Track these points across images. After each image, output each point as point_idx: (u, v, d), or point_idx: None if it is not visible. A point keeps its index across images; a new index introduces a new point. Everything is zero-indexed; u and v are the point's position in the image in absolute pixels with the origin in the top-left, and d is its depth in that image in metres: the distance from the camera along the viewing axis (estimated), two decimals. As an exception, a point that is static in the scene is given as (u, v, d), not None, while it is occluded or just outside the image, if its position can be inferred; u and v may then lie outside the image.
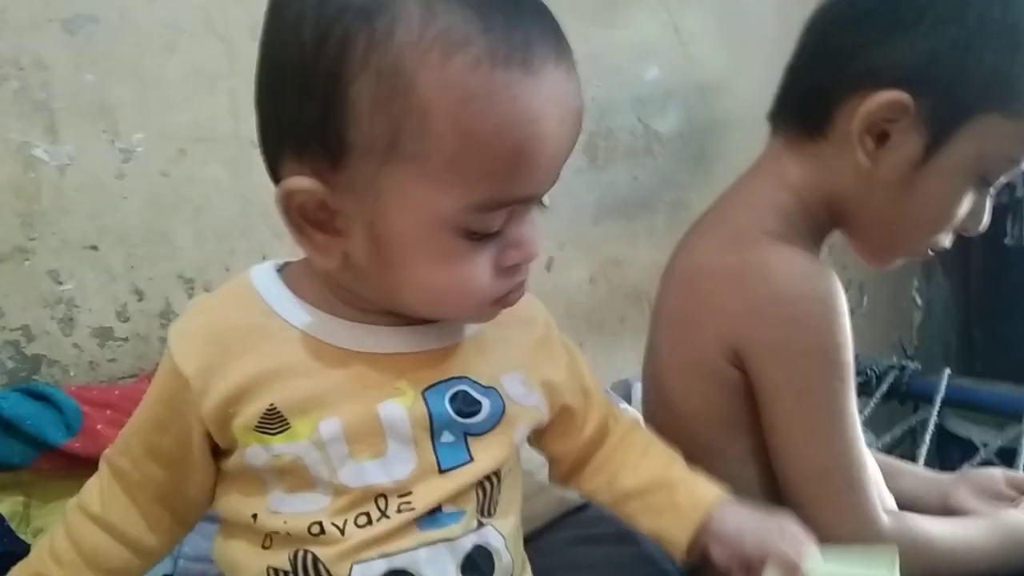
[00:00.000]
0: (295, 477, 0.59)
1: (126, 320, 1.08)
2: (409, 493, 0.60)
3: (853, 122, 0.76)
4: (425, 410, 0.61)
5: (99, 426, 0.92)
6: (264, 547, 0.61)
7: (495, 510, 0.65)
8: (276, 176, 0.58)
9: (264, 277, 0.64)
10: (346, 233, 0.56)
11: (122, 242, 1.06)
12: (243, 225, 1.15)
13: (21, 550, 0.87)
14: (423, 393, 0.62)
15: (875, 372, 1.87)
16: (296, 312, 0.61)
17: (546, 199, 0.60)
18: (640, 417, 1.19)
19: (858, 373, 1.47)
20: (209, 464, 0.63)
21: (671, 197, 1.77)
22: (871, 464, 0.82)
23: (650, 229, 1.74)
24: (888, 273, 2.22)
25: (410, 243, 0.55)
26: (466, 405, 0.63)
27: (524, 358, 0.69)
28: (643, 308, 1.74)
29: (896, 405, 1.90)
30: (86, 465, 0.89)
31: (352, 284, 0.61)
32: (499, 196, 0.54)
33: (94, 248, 1.04)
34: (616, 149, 1.66)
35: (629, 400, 1.33)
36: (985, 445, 1.78)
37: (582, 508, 1.04)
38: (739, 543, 0.67)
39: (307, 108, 0.53)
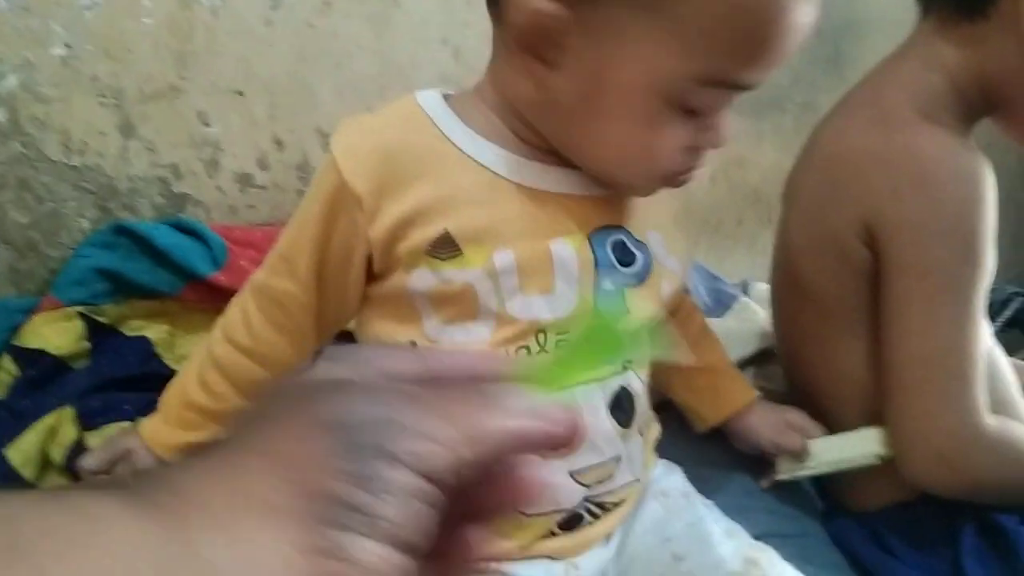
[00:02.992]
0: (460, 306, 0.60)
1: (266, 168, 1.10)
2: (567, 332, 0.61)
3: (1021, 0, 0.71)
4: (591, 253, 0.62)
5: (243, 263, 0.96)
6: None
7: (634, 359, 0.66)
8: None
9: (433, 103, 0.63)
10: (561, 68, 0.55)
11: (266, 90, 1.07)
12: (380, 84, 1.15)
13: (166, 373, 0.92)
14: (589, 236, 0.62)
15: (997, 298, 1.80)
16: (469, 141, 0.61)
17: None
18: (760, 312, 1.18)
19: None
20: (362, 285, 0.64)
21: (801, 97, 1.69)
22: (990, 361, 0.80)
23: (777, 129, 1.68)
24: (1018, 203, 2.11)
25: (626, 96, 0.55)
26: (624, 255, 0.64)
27: (662, 222, 0.70)
28: (762, 211, 1.70)
29: (1018, 334, 1.82)
30: (229, 297, 0.92)
31: (537, 119, 0.60)
32: (729, 74, 0.54)
33: (240, 93, 1.05)
34: (750, 42, 1.59)
35: (747, 294, 1.30)
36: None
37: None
38: (756, 441, 0.83)
39: None
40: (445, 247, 0.59)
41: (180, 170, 1.04)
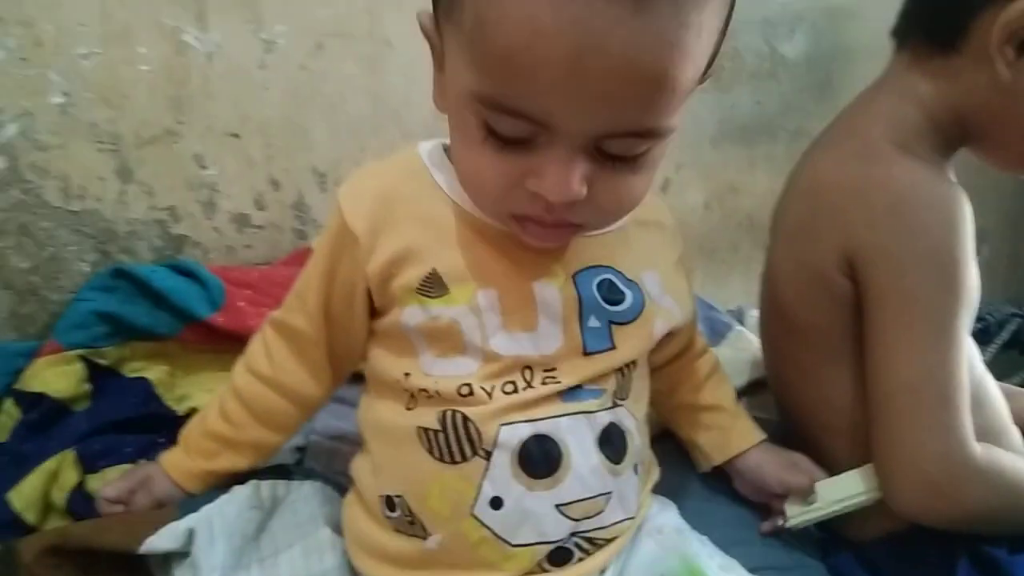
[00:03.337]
0: (448, 341, 0.62)
1: (263, 208, 1.12)
2: (554, 369, 0.63)
3: (991, 34, 0.72)
4: (575, 293, 0.64)
5: (240, 303, 0.97)
6: (408, 408, 0.64)
7: (628, 395, 0.68)
8: None
9: (432, 153, 0.67)
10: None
11: (261, 132, 1.09)
12: (374, 124, 1.17)
13: (167, 413, 0.93)
14: (573, 277, 0.64)
15: (995, 319, 1.80)
16: (457, 188, 0.63)
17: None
18: (755, 341, 1.18)
19: (977, 319, 1.42)
20: (366, 320, 0.67)
21: (793, 125, 1.71)
22: (978, 388, 0.80)
23: (769, 156, 1.69)
24: (1015, 223, 2.12)
25: (453, 107, 0.56)
26: (612, 293, 0.66)
27: (660, 262, 0.72)
28: (756, 238, 1.71)
29: (1015, 355, 1.82)
30: (227, 339, 0.94)
31: None
32: (502, 99, 0.50)
33: (235, 136, 1.08)
34: (741, 71, 1.61)
35: (742, 322, 1.31)
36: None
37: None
38: (761, 479, 0.81)
39: None
40: (434, 286, 0.61)
41: (178, 212, 1.06)
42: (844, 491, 0.79)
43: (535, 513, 0.61)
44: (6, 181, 0.95)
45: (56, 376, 0.90)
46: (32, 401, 0.89)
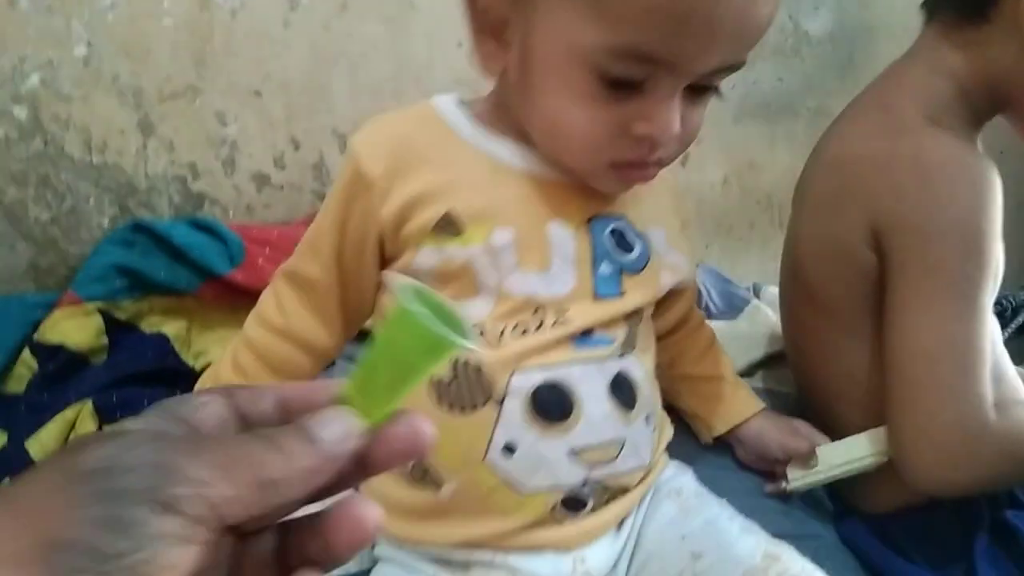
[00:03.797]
0: (462, 282, 0.62)
1: (283, 168, 1.11)
2: (566, 311, 0.63)
3: (1021, 2, 0.72)
4: (588, 237, 0.64)
5: (260, 260, 0.97)
6: None
7: (636, 345, 0.68)
8: None
9: (446, 103, 0.68)
10: (510, 45, 0.58)
11: (283, 90, 1.08)
12: (395, 86, 1.16)
13: (183, 368, 0.93)
14: (587, 221, 0.65)
15: (1011, 303, 1.79)
16: (474, 134, 0.65)
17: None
18: (772, 316, 1.18)
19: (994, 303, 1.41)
20: (376, 271, 0.67)
21: (814, 103, 1.69)
22: (996, 363, 0.80)
23: (789, 134, 1.68)
24: (1030, 208, 2.10)
25: (548, 67, 0.56)
26: (621, 242, 0.66)
27: (667, 219, 0.72)
28: (774, 216, 1.70)
29: (1029, 340, 1.82)
30: (246, 295, 0.93)
31: (512, 103, 0.63)
32: (642, 47, 0.51)
33: (257, 94, 1.07)
34: (764, 47, 1.59)
35: (758, 296, 1.30)
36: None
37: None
38: (763, 446, 0.83)
39: None
40: (448, 226, 0.62)
41: (198, 169, 1.06)
42: (845, 455, 0.80)
43: (549, 458, 0.61)
44: (28, 131, 0.95)
45: (74, 328, 0.91)
46: (50, 352, 0.89)
